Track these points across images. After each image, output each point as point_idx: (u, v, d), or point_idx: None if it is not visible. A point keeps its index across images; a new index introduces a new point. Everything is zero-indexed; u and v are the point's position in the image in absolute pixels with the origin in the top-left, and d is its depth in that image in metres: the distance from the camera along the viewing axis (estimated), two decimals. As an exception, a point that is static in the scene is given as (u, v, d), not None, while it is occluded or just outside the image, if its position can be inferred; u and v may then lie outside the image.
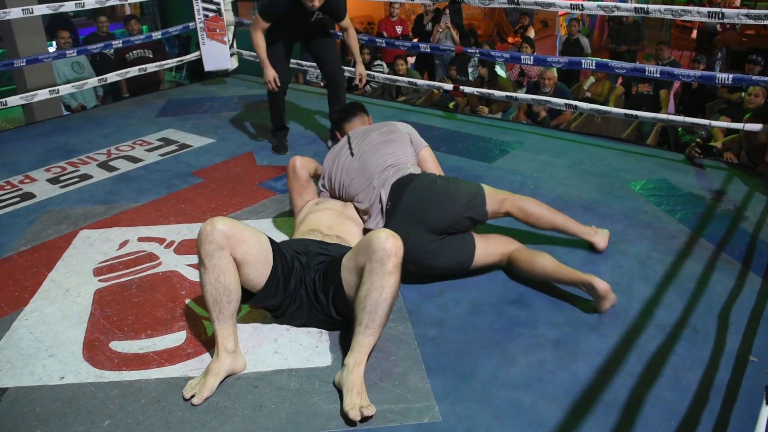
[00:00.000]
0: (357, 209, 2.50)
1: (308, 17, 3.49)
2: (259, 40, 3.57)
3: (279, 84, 3.63)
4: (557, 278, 2.25)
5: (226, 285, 1.86)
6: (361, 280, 1.87)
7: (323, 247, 2.19)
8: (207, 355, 2.00)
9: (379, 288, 1.82)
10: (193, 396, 1.79)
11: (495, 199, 2.41)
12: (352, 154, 2.59)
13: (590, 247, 2.56)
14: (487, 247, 2.36)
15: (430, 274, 2.36)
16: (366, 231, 2.42)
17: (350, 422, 1.69)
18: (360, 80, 3.80)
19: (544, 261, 2.26)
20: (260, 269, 1.94)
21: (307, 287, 2.07)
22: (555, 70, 5.57)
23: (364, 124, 2.89)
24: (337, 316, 2.06)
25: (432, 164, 2.68)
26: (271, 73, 3.61)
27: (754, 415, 1.36)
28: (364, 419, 1.69)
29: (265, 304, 2.05)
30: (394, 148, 2.55)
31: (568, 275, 2.21)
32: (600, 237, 2.55)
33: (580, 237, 2.54)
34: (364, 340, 1.84)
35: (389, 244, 1.83)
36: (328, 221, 2.37)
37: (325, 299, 2.04)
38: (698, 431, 1.67)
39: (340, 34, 3.95)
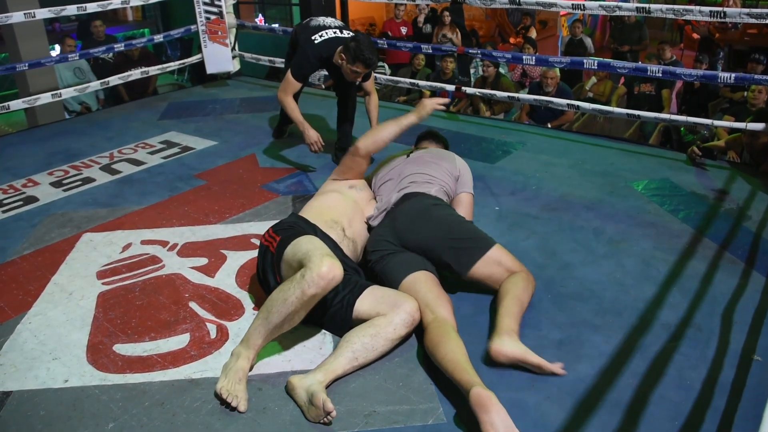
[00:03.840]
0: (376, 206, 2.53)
1: (340, 75, 3.35)
2: (291, 102, 3.36)
3: (323, 143, 3.36)
4: (447, 373, 1.80)
5: (299, 320, 1.89)
6: (374, 320, 1.95)
7: (337, 255, 2.17)
8: (210, 357, 2.00)
9: (389, 342, 1.93)
10: (237, 405, 1.77)
11: (500, 263, 2.19)
12: (405, 158, 2.69)
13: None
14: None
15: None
16: (370, 228, 2.44)
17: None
18: None
19: (447, 349, 1.83)
20: None
21: None
22: (557, 70, 5.57)
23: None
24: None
25: (466, 210, 2.53)
26: (313, 135, 3.31)
27: (758, 414, 1.36)
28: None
29: None
30: (433, 171, 2.55)
31: (458, 374, 1.75)
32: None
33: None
34: (347, 366, 1.87)
35: (418, 317, 1.99)
36: (350, 216, 2.38)
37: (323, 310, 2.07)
38: (702, 431, 1.67)
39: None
